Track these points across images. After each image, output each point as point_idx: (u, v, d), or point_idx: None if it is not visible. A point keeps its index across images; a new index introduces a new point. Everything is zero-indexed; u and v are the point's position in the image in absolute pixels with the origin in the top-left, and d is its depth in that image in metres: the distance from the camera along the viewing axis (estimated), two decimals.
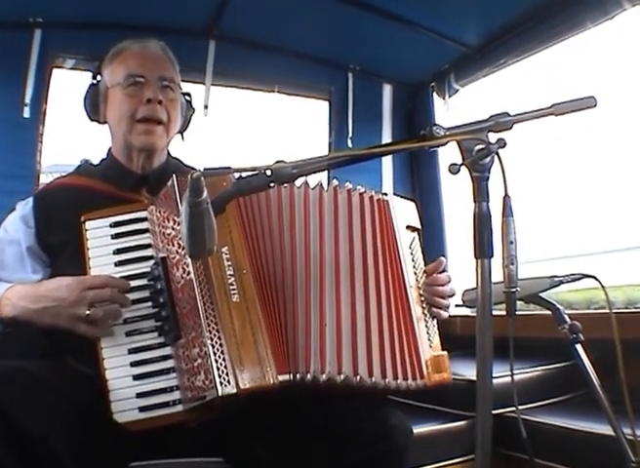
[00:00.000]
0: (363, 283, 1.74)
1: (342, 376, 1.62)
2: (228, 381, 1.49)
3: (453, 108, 3.98)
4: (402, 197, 1.94)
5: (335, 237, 1.74)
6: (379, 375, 1.67)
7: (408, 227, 1.90)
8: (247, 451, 1.72)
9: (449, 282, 1.90)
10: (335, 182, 1.79)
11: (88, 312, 1.65)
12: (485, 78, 3.74)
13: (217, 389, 1.49)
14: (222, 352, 1.51)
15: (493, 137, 1.36)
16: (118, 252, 1.78)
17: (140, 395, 1.63)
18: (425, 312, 1.84)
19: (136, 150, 2.04)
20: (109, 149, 2.14)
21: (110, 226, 1.81)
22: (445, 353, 1.84)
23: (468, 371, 2.70)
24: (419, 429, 2.55)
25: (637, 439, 1.85)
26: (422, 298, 1.85)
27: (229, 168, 1.37)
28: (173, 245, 1.67)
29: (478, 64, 3.70)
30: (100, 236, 1.80)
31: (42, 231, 1.94)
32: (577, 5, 3.00)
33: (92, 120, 2.14)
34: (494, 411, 1.39)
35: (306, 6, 3.16)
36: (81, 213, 1.82)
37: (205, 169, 1.32)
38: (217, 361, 1.51)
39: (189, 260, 1.61)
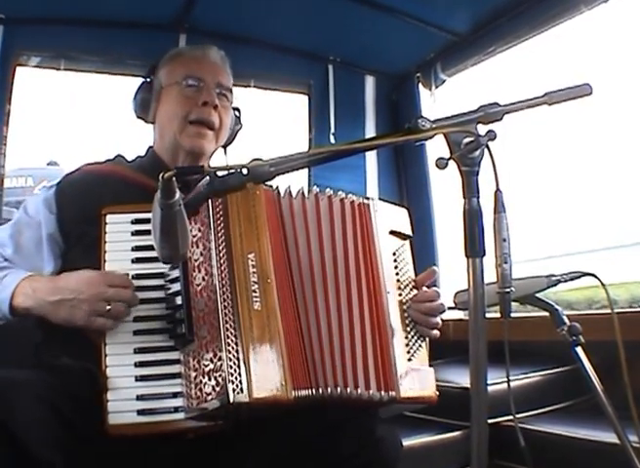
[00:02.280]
0: (346, 292, 1.75)
1: (339, 389, 1.63)
2: (241, 389, 1.49)
3: (440, 100, 3.99)
4: (392, 203, 1.94)
5: (320, 248, 1.76)
6: (363, 386, 1.67)
7: (393, 233, 1.89)
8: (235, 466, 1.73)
9: (438, 297, 1.86)
10: (315, 189, 1.81)
11: (109, 307, 1.65)
12: (473, 67, 3.75)
13: (228, 395, 1.48)
14: (238, 359, 1.52)
15: (482, 129, 1.37)
16: (137, 249, 1.79)
17: (140, 397, 1.62)
18: (407, 323, 1.81)
19: (183, 152, 2.09)
20: (150, 148, 2.18)
21: (131, 223, 1.82)
22: (430, 370, 1.81)
23: (462, 378, 2.72)
24: (411, 440, 2.56)
25: None
26: (405, 307, 1.82)
27: (202, 167, 1.37)
28: (198, 246, 1.68)
29: (466, 53, 3.71)
30: (119, 231, 1.81)
31: (65, 218, 1.96)
32: None
33: (138, 117, 2.19)
34: (490, 421, 1.40)
35: None
36: (107, 203, 1.84)
37: (177, 168, 1.32)
38: (231, 367, 1.51)
39: (214, 263, 1.62)
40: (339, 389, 1.63)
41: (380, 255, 1.81)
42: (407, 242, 1.93)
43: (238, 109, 2.26)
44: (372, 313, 1.75)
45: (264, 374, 1.52)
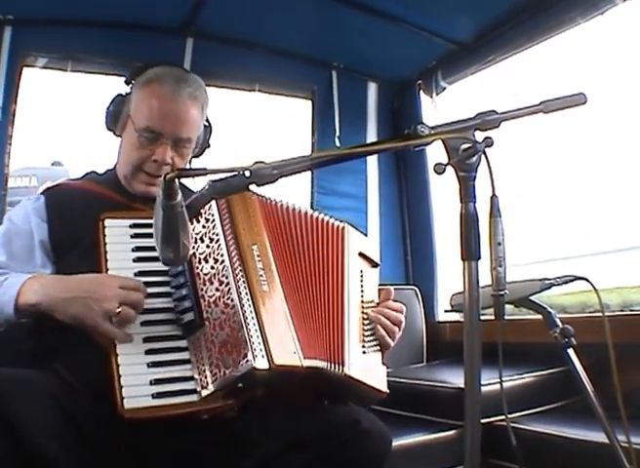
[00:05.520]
0: (318, 285, 1.83)
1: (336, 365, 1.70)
2: (263, 356, 1.56)
3: (440, 107, 3.99)
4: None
5: (298, 250, 1.86)
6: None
7: (362, 255, 1.97)
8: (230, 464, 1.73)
9: (400, 310, 1.93)
10: (301, 207, 1.92)
11: (119, 309, 1.64)
12: (473, 75, 3.76)
13: (252, 361, 1.54)
14: (257, 329, 1.60)
15: (480, 136, 1.36)
16: (137, 249, 1.82)
17: (153, 382, 1.63)
18: (365, 328, 1.87)
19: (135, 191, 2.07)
20: (116, 165, 2.16)
21: (130, 227, 1.85)
22: (383, 368, 1.88)
23: (457, 379, 2.71)
24: (406, 439, 2.56)
25: (632, 446, 1.86)
26: (365, 319, 1.88)
27: (205, 169, 1.37)
28: (203, 241, 1.76)
29: (466, 61, 3.72)
30: (119, 234, 1.83)
31: (55, 226, 1.96)
32: (567, 0, 3.02)
33: (109, 129, 2.15)
34: (483, 420, 1.39)
35: (287, 2, 3.16)
36: (95, 214, 1.83)
37: (179, 170, 1.32)
38: (251, 337, 1.58)
39: (224, 251, 1.71)
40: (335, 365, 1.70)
41: (347, 266, 1.88)
42: (375, 269, 2.02)
43: (210, 127, 2.21)
44: (334, 301, 1.81)
45: (281, 343, 1.62)
